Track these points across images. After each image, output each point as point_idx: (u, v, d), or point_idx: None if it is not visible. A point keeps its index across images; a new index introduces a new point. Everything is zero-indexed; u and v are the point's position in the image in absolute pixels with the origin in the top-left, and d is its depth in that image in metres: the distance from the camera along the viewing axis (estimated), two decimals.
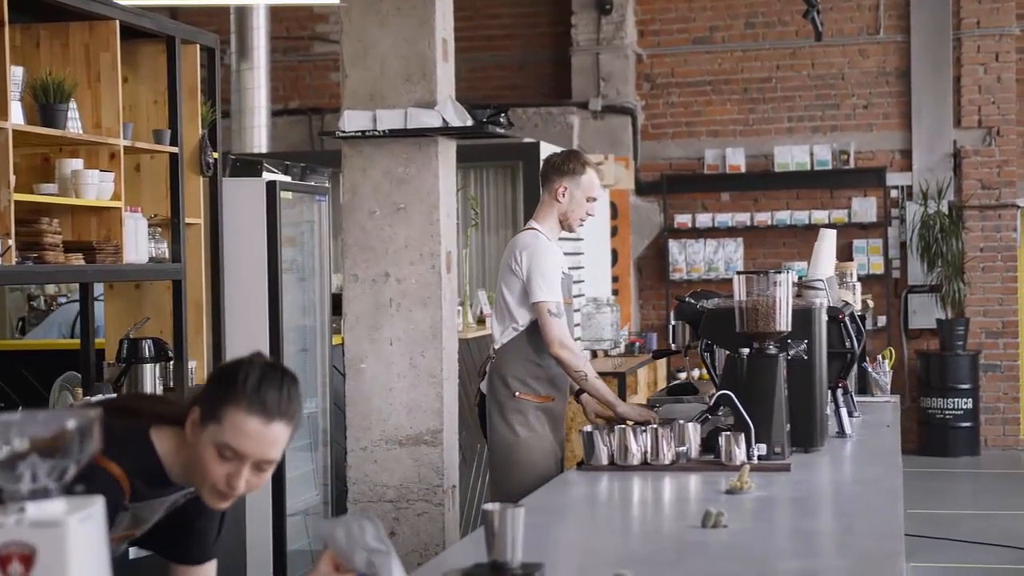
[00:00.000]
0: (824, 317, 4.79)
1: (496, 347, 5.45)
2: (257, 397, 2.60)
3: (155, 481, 2.72)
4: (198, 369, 5.99)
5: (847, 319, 5.18)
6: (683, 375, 12.55)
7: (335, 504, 6.90)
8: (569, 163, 5.41)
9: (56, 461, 1.81)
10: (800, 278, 5.48)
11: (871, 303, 10.37)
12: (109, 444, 2.59)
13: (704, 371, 12.61)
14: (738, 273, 4.55)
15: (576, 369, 5.20)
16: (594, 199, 5.43)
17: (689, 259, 13.21)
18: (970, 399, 12.51)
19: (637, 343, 11.38)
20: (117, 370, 5.55)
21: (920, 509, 9.88)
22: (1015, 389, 12.91)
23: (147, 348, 5.54)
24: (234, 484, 2.64)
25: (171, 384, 5.73)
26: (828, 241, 5.64)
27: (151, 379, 5.55)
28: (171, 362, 5.70)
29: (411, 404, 6.11)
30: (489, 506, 2.79)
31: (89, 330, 5.75)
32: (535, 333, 5.27)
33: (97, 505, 1.83)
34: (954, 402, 12.48)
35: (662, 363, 11.43)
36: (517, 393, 5.32)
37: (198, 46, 6.01)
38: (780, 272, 4.52)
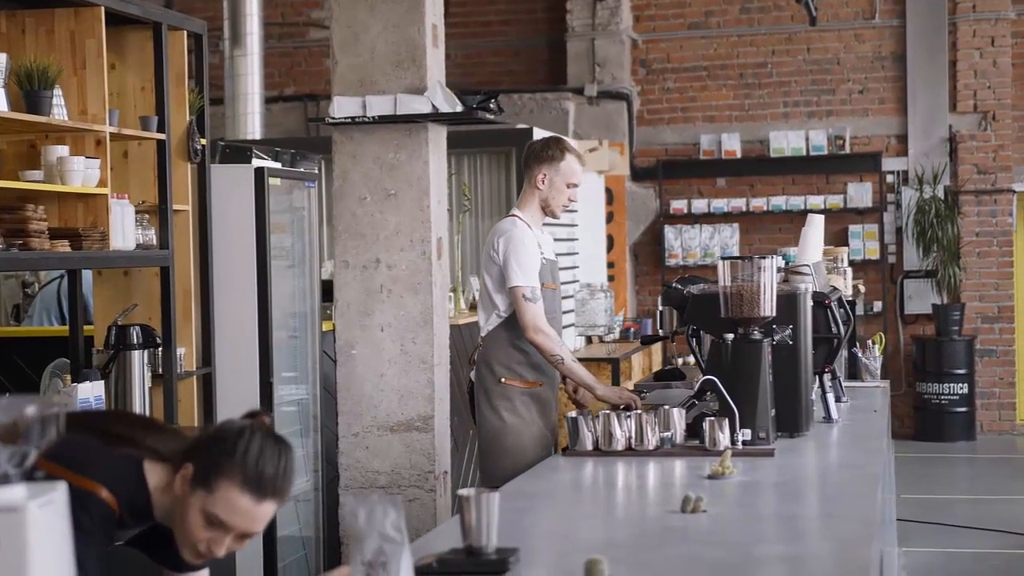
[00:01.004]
0: (809, 302, 4.79)
1: (482, 335, 5.48)
2: (254, 474, 2.61)
3: (141, 514, 2.73)
4: (187, 356, 5.99)
5: (834, 304, 5.18)
6: (679, 361, 12.57)
7: (326, 491, 6.91)
8: (548, 150, 5.43)
9: (16, 447, 1.81)
10: (787, 263, 5.48)
11: (862, 288, 10.35)
12: (104, 471, 2.63)
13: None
14: (723, 258, 4.56)
15: (552, 353, 5.21)
16: (575, 185, 5.43)
17: (685, 245, 13.21)
18: (966, 384, 12.52)
19: (632, 329, 11.38)
20: (106, 356, 5.55)
21: (915, 494, 9.89)
22: (1011, 374, 12.91)
23: (135, 335, 5.54)
24: (214, 550, 2.66)
25: (159, 370, 5.73)
26: (816, 227, 5.64)
27: (139, 366, 5.55)
28: (159, 349, 5.70)
29: (402, 390, 6.11)
30: (464, 491, 2.80)
31: (77, 316, 5.75)
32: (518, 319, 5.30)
33: (58, 491, 1.83)
34: (950, 387, 12.49)
35: (657, 349, 11.43)
36: (503, 379, 5.34)
37: (185, 32, 6.00)
38: (765, 258, 4.52)
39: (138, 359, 5.55)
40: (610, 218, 12.67)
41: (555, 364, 5.27)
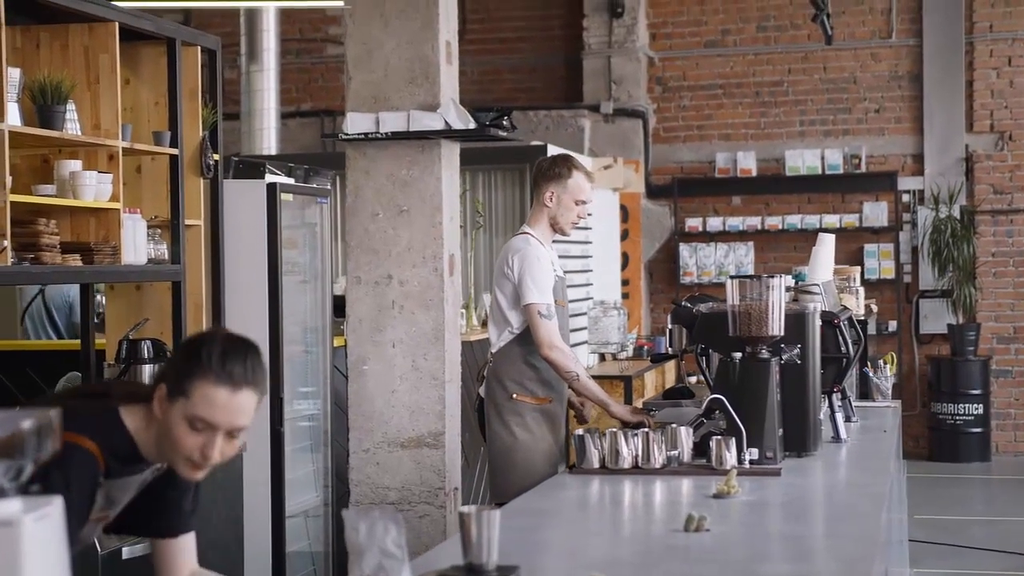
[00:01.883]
0: (818, 322, 4.78)
1: (493, 351, 5.49)
2: (223, 369, 2.70)
3: (127, 458, 2.79)
4: None
5: (843, 324, 5.17)
6: (693, 379, 12.54)
7: (335, 506, 6.91)
8: (556, 167, 5.48)
9: (12, 461, 1.82)
10: (798, 282, 5.47)
11: (875, 308, 10.33)
12: (82, 423, 2.70)
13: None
14: (731, 277, 4.56)
15: (567, 370, 5.24)
16: (583, 202, 5.47)
17: (700, 263, 13.20)
18: (981, 404, 12.47)
19: (646, 347, 11.37)
20: (117, 371, 5.57)
21: (929, 515, 9.86)
22: None
23: (146, 349, 5.56)
24: (208, 454, 2.72)
25: None
26: (826, 246, 5.63)
27: (149, 380, 5.57)
28: None
29: (413, 406, 6.11)
30: (465, 508, 2.80)
31: (89, 331, 5.77)
32: (530, 336, 5.31)
33: (54, 505, 1.84)
34: (965, 407, 12.44)
35: (671, 367, 11.42)
36: (514, 395, 5.36)
37: (199, 48, 6.03)
38: (773, 277, 4.52)
39: (148, 373, 5.56)
40: (625, 235, 12.67)
41: (570, 381, 5.29)
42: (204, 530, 4.90)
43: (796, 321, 4.63)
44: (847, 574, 2.94)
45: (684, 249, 13.19)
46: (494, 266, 10.14)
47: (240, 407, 2.72)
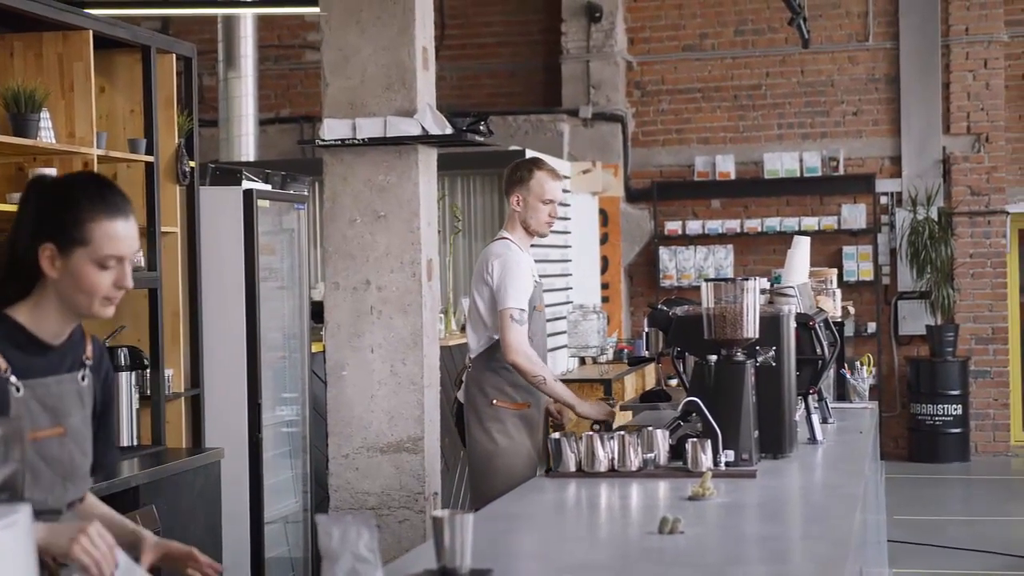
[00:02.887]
0: (792, 324, 4.80)
1: (472, 356, 5.51)
2: (109, 204, 2.73)
3: (28, 348, 2.75)
4: (175, 377, 6.01)
5: (819, 326, 5.19)
6: (674, 382, 12.56)
7: (315, 512, 6.91)
8: (517, 172, 5.55)
9: None
10: (773, 285, 5.49)
11: (852, 310, 10.37)
12: None
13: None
14: (706, 280, 4.57)
15: (534, 375, 5.26)
16: (550, 201, 5.50)
17: (679, 266, 13.23)
18: (960, 405, 12.52)
19: (626, 350, 11.38)
20: None
21: (908, 515, 9.89)
22: (1004, 395, 12.91)
23: (123, 356, 5.56)
24: (122, 284, 2.76)
25: (147, 392, 5.74)
26: (801, 248, 5.65)
27: (127, 388, 5.56)
28: (147, 370, 5.71)
29: (392, 411, 6.12)
30: (438, 513, 2.81)
31: None
32: None
33: (22, 513, 1.84)
34: (944, 408, 12.49)
35: (651, 370, 11.44)
36: (494, 401, 5.39)
37: (174, 56, 6.03)
38: (748, 279, 4.54)
39: (125, 381, 5.56)
40: (604, 239, 12.69)
41: (537, 385, 5.31)
42: (183, 536, 4.90)
43: (771, 323, 4.64)
44: (820, 575, 2.95)
45: (664, 252, 13.21)
46: (473, 271, 10.18)
47: (133, 231, 2.79)
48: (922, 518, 10.03)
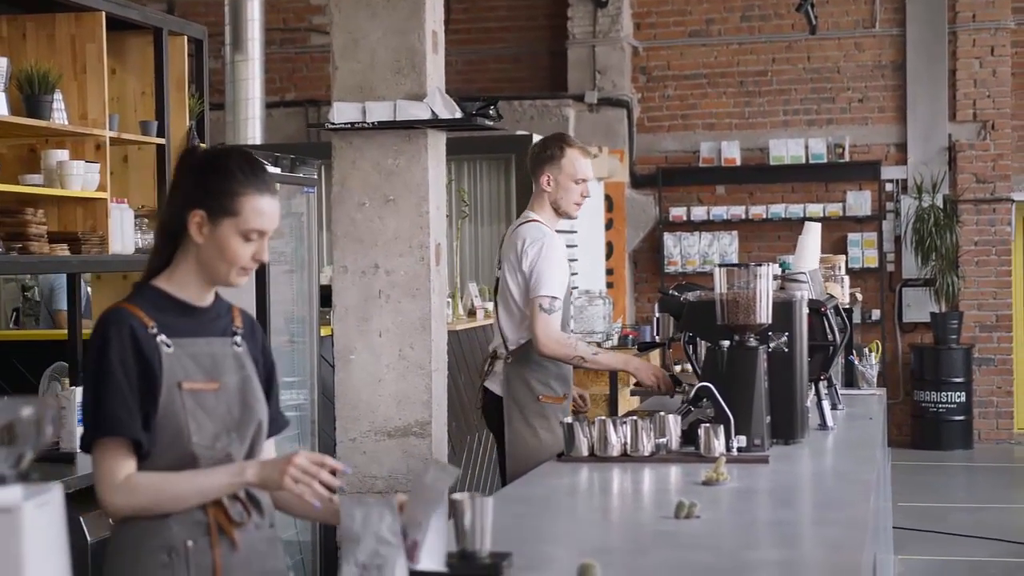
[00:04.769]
0: (805, 310, 4.80)
1: (510, 347, 5.34)
2: (259, 180, 2.89)
3: (173, 310, 2.89)
4: None
5: (830, 312, 5.19)
6: (678, 368, 12.56)
7: None
8: (547, 149, 5.36)
9: (11, 448, 1.83)
10: (784, 271, 5.49)
11: (860, 296, 10.37)
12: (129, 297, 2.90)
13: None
14: (719, 266, 4.56)
15: (571, 358, 5.14)
16: (583, 180, 5.32)
17: (684, 252, 13.23)
18: (963, 392, 12.53)
19: (631, 336, 11.39)
20: None
21: (912, 502, 9.90)
22: (1008, 383, 12.92)
23: None
24: (260, 257, 2.91)
25: None
26: (812, 234, 5.65)
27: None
28: None
29: (400, 396, 6.12)
30: (458, 496, 2.81)
31: (76, 320, 5.76)
32: None
33: (54, 492, 1.85)
34: (947, 395, 12.50)
35: (655, 355, 11.44)
36: (540, 396, 5.25)
37: (186, 37, 6.02)
38: (761, 265, 4.53)
39: None
40: (609, 225, 12.68)
41: (579, 366, 5.19)
42: None
43: (783, 309, 4.64)
44: (837, 561, 2.95)
45: (668, 238, 13.21)
46: (480, 255, 10.17)
47: (278, 209, 2.94)
48: (926, 505, 10.05)
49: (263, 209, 2.88)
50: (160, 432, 2.82)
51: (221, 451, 2.89)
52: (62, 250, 5.06)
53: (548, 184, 5.31)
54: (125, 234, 5.42)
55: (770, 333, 4.58)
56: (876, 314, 12.83)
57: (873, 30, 13.05)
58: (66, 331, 5.86)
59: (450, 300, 8.56)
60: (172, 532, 2.83)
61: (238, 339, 3.00)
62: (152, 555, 2.83)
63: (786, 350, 4.63)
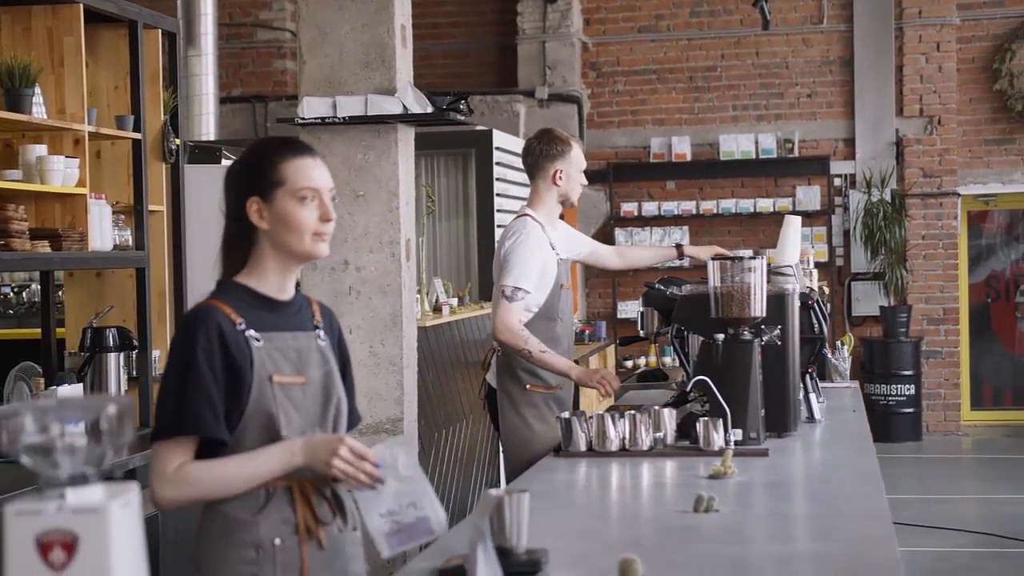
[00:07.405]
0: (796, 302, 4.81)
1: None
2: (290, 148, 2.94)
3: (258, 305, 2.91)
4: (162, 358, 5.92)
5: (815, 304, 5.21)
6: (642, 361, 12.60)
7: None
8: (556, 146, 5.42)
9: (94, 447, 1.78)
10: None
11: (827, 289, 10.45)
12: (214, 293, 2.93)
13: (655, 358, 12.65)
14: (713, 259, 4.56)
15: (518, 349, 5.14)
16: (583, 169, 5.53)
17: None
18: (912, 385, 12.66)
19: (587, 331, 11.40)
20: (80, 359, 5.47)
21: None
22: (956, 375, 13.07)
23: (111, 337, 5.47)
24: (327, 216, 2.91)
25: (135, 374, 5.65)
26: (794, 227, 5.67)
27: (115, 368, 5.47)
28: (135, 351, 5.62)
29: (371, 392, 6.08)
30: (495, 491, 2.78)
31: (50, 319, 5.66)
32: (540, 323, 5.23)
33: (134, 492, 1.80)
34: (897, 388, 12.62)
35: (611, 351, 11.47)
36: (528, 386, 5.27)
37: (160, 31, 5.93)
38: (755, 258, 4.54)
39: (114, 361, 5.47)
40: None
41: (525, 359, 5.20)
42: (176, 516, 4.84)
43: (776, 302, 4.65)
44: (873, 553, 2.96)
45: (620, 234, 13.23)
46: (440, 252, 10.12)
47: (324, 169, 2.96)
48: None
49: (305, 166, 2.91)
50: (250, 425, 2.84)
51: None
52: (43, 247, 4.96)
53: (559, 178, 5.40)
54: (104, 231, 5.33)
55: (763, 326, 4.58)
56: (827, 308, 12.90)
57: (821, 26, 13.14)
58: (39, 331, 5.75)
59: (417, 296, 8.51)
60: (260, 529, 2.83)
61: (321, 333, 3.00)
62: (240, 550, 2.83)
63: (779, 343, 4.63)
